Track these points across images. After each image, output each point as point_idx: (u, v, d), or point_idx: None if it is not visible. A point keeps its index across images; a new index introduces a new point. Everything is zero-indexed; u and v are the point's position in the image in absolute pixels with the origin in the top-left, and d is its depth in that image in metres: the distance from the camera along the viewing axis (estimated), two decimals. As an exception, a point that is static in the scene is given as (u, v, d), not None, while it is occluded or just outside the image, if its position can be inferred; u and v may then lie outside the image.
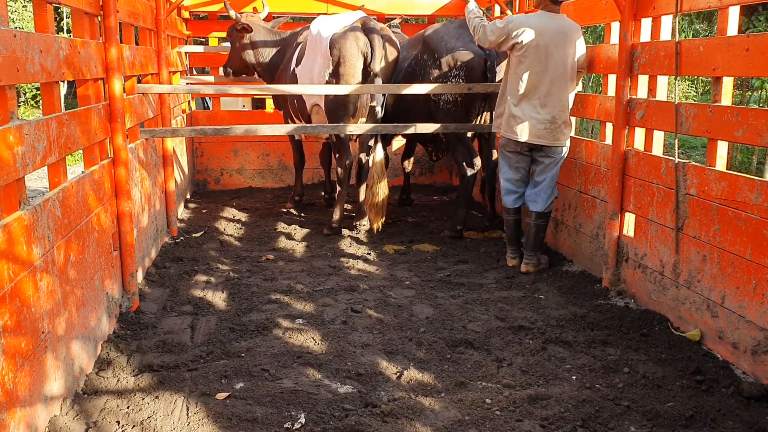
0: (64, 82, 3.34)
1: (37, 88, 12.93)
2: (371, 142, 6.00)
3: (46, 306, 2.80)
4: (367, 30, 5.62)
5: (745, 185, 3.36)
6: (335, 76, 5.65)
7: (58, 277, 2.95)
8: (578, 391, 3.19)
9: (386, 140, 6.85)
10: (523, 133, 4.82)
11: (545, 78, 4.72)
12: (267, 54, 6.65)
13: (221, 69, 6.80)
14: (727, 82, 3.64)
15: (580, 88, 5.27)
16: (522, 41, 4.71)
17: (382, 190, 5.85)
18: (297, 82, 6.08)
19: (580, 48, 4.79)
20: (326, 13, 7.42)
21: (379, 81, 5.57)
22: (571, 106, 4.86)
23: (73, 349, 3.10)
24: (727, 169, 3.65)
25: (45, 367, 2.75)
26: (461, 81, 5.58)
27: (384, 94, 5.93)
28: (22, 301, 2.55)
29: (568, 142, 4.91)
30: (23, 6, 13.50)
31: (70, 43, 3.37)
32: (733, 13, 3.60)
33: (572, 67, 4.76)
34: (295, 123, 6.45)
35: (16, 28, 12.42)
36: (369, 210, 5.91)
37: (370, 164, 5.92)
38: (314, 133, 5.80)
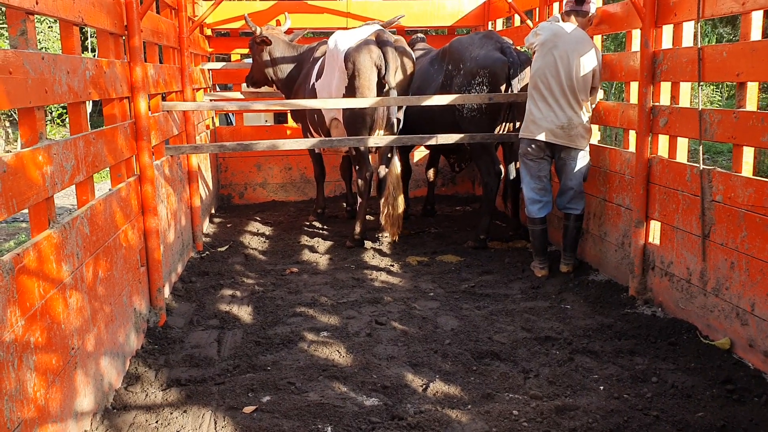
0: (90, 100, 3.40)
1: (64, 107, 13.17)
2: (390, 154, 6.02)
3: (76, 323, 2.84)
4: (380, 42, 5.65)
5: (772, 191, 3.31)
6: (351, 90, 5.68)
7: (87, 294, 2.99)
8: (606, 401, 3.15)
9: (406, 151, 6.87)
10: (540, 133, 4.91)
11: (560, 80, 4.81)
12: (285, 69, 6.72)
13: (243, 85, 6.90)
14: (752, 88, 3.61)
15: (602, 95, 5.25)
16: (538, 42, 4.92)
17: (400, 202, 5.86)
18: (316, 97, 6.13)
19: (591, 61, 4.80)
20: (345, 28, 7.47)
21: (394, 93, 5.60)
22: (589, 112, 4.91)
23: (102, 365, 3.14)
24: (753, 174, 3.60)
25: (75, 383, 2.79)
26: (486, 87, 5.64)
27: (399, 106, 5.95)
28: (53, 318, 2.59)
29: (587, 146, 4.93)
30: (49, 27, 13.77)
31: (96, 63, 3.43)
32: (756, 18, 3.57)
33: (585, 76, 4.81)
34: (314, 137, 6.50)
35: (42, 48, 12.67)
36: (386, 222, 5.90)
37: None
38: (337, 147, 5.83)
